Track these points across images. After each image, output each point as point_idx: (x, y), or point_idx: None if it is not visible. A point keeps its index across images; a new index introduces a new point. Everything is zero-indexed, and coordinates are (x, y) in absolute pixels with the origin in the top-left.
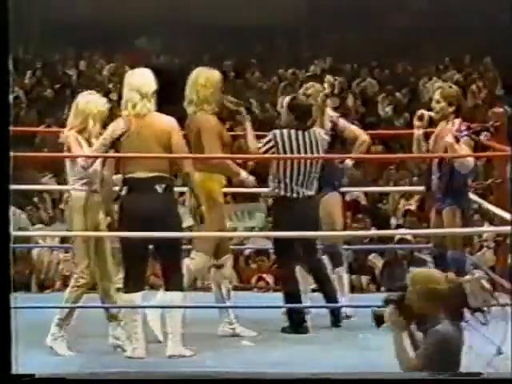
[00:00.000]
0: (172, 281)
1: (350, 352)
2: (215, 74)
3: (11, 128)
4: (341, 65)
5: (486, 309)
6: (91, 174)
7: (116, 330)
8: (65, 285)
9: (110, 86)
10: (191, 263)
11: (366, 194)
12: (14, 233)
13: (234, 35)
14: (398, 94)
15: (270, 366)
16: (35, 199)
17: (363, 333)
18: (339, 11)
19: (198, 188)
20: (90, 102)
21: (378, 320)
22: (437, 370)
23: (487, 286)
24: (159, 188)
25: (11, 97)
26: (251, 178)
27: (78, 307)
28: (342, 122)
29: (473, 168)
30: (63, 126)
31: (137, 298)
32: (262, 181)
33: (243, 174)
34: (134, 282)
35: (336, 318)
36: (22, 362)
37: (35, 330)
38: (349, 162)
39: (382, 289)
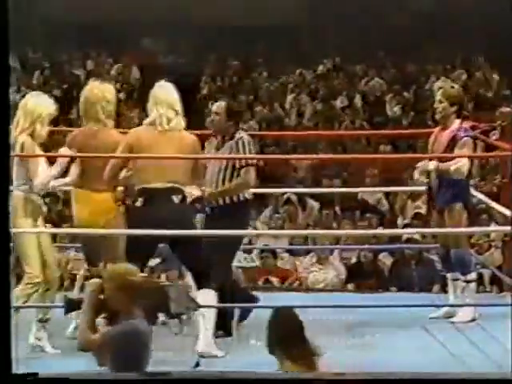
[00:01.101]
0: (201, 280)
1: (356, 351)
2: (113, 89)
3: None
4: (348, 64)
5: (184, 317)
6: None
7: (40, 332)
8: (72, 284)
9: (118, 85)
10: None
11: (387, 195)
12: (13, 230)
13: (242, 35)
14: (405, 93)
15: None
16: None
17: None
18: (347, 11)
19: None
20: (40, 103)
21: (69, 306)
22: (112, 358)
23: (192, 294)
24: (176, 198)
25: (18, 96)
26: None
27: None
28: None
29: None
30: (70, 125)
31: None
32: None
33: None
34: None
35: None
36: (26, 361)
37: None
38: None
39: (392, 288)
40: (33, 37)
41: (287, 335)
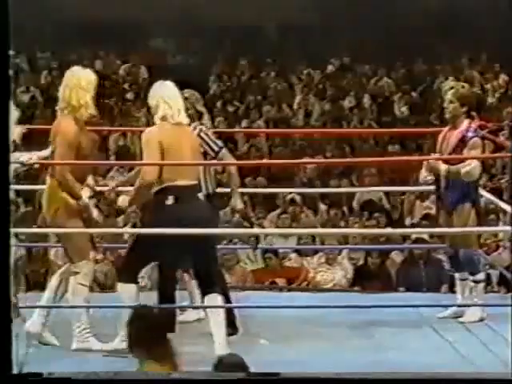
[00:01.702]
0: (210, 283)
1: (365, 351)
2: (93, 76)
3: (15, 127)
4: (357, 64)
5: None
6: None
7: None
8: None
9: (126, 85)
10: (77, 277)
11: (387, 194)
12: (14, 230)
13: (250, 35)
14: (414, 93)
15: (285, 365)
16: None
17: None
18: (355, 11)
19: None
20: None
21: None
22: None
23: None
24: (201, 195)
25: (28, 96)
26: (88, 202)
27: (87, 307)
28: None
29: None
30: None
31: (134, 289)
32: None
33: (84, 199)
34: (134, 275)
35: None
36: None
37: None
38: None
39: (400, 288)
40: (41, 37)
41: (145, 334)
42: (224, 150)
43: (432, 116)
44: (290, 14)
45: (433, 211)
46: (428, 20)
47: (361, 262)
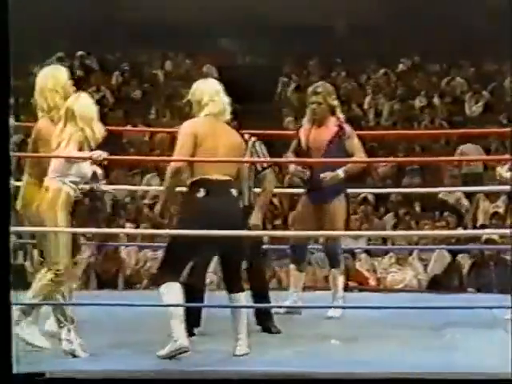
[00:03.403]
0: (236, 282)
1: (435, 351)
2: (63, 75)
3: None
4: (427, 64)
5: None
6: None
7: (70, 335)
8: (152, 283)
9: None
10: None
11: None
12: (15, 228)
13: (320, 35)
14: (485, 92)
15: (355, 364)
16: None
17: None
18: (423, 10)
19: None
20: None
21: None
22: None
23: None
24: (234, 191)
25: (98, 96)
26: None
27: (89, 305)
28: (349, 130)
29: None
30: (149, 125)
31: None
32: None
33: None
34: (177, 274)
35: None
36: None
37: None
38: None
39: (471, 289)
40: (112, 37)
41: None
42: (268, 171)
43: (502, 115)
44: (359, 14)
45: (501, 210)
46: (495, 19)
47: (435, 271)
